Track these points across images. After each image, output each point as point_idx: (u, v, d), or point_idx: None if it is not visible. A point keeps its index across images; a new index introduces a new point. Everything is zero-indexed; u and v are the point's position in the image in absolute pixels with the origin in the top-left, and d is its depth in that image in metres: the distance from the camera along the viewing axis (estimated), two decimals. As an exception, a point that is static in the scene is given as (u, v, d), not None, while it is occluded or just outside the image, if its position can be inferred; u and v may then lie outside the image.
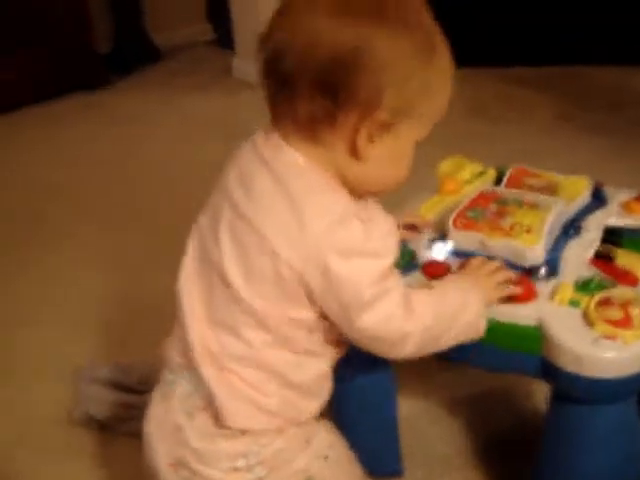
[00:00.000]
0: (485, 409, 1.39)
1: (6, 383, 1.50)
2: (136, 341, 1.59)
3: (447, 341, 0.89)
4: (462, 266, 1.00)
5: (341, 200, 0.79)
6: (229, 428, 0.83)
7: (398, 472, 1.23)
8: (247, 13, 3.04)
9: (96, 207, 2.23)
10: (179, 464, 0.87)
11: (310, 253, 0.76)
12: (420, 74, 0.77)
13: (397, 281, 0.83)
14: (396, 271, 0.83)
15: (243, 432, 0.84)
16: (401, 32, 0.75)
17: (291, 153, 0.79)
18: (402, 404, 1.22)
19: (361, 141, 0.76)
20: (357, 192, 0.81)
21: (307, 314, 0.81)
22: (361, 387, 1.10)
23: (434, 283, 0.94)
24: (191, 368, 0.86)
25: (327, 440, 0.90)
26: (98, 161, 2.52)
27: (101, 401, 1.38)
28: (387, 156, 0.79)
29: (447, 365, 1.41)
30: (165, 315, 0.96)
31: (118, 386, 1.42)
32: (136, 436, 1.29)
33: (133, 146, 2.63)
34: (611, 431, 0.98)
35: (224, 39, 3.42)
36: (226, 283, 0.82)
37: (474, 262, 0.98)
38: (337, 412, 1.03)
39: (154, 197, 2.26)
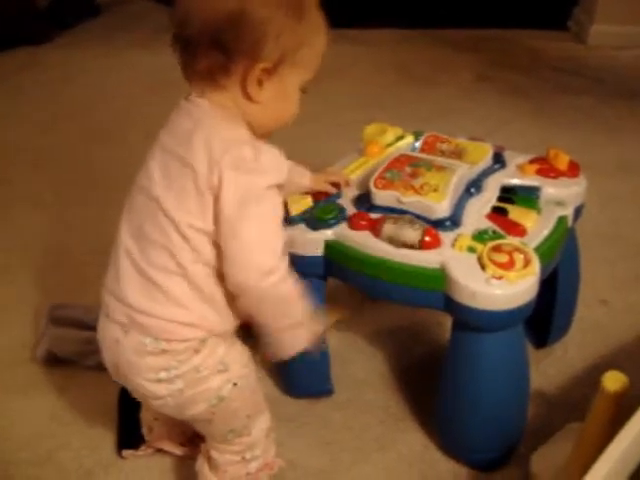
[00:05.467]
0: (403, 340, 1.50)
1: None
2: (94, 284, 1.68)
3: (280, 315, 0.98)
4: None
5: (239, 131, 0.94)
6: (155, 338, 0.94)
7: (328, 392, 1.37)
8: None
9: (42, 163, 2.24)
10: (117, 369, 1.01)
11: (213, 167, 0.90)
12: (292, 29, 0.91)
13: (277, 200, 0.94)
14: (279, 194, 0.94)
15: (164, 351, 0.95)
16: None
17: (204, 102, 0.94)
18: (333, 336, 1.31)
19: (251, 86, 0.92)
20: (259, 132, 0.96)
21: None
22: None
23: None
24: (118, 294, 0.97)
25: (241, 371, 1.02)
26: (39, 116, 2.52)
27: (63, 339, 1.44)
28: (275, 97, 0.94)
29: (372, 303, 1.54)
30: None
31: (79, 324, 1.46)
32: (97, 368, 1.40)
33: (72, 102, 2.62)
34: (500, 354, 1.11)
35: (161, -6, 3.39)
36: (157, 203, 0.93)
37: None
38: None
39: (92, 152, 2.28)
